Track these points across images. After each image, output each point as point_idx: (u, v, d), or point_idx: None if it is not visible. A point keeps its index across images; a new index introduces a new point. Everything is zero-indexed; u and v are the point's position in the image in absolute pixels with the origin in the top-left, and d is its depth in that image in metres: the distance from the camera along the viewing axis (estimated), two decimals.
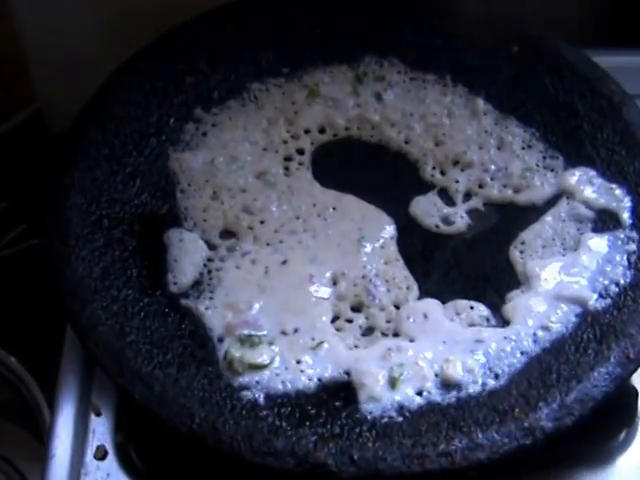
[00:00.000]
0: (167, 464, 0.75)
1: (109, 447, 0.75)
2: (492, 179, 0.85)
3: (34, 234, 1.03)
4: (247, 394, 0.71)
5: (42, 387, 0.90)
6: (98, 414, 0.76)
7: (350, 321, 0.76)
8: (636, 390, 0.76)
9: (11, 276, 1.02)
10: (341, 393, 0.71)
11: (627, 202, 0.81)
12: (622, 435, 0.75)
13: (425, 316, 0.75)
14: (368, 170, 0.86)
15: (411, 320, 0.75)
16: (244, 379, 0.72)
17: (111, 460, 0.74)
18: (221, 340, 0.74)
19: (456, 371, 0.71)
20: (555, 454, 0.72)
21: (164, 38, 0.91)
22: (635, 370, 0.71)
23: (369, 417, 0.69)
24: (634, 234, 0.79)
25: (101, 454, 0.75)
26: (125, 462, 0.74)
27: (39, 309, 0.88)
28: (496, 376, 0.72)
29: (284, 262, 0.79)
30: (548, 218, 0.81)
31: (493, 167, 0.85)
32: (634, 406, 0.76)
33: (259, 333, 0.74)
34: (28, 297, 0.98)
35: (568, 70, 0.89)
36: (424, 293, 0.78)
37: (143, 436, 0.75)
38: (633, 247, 0.78)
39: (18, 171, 1.06)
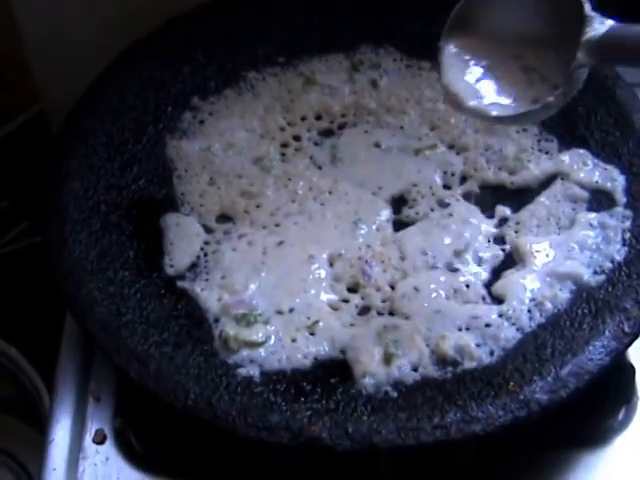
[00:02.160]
0: (165, 448, 0.75)
1: (108, 432, 0.75)
2: (487, 162, 0.85)
3: (36, 232, 1.04)
4: (242, 371, 0.71)
5: (43, 377, 0.90)
6: (97, 399, 0.77)
7: (346, 301, 0.77)
8: (633, 367, 0.76)
9: (12, 273, 1.03)
10: (337, 370, 0.71)
11: (621, 181, 0.81)
12: (621, 414, 0.75)
13: (420, 293, 0.75)
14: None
15: (406, 299, 0.75)
16: (239, 357, 0.72)
17: (110, 444, 0.75)
18: (217, 320, 0.75)
19: (451, 347, 0.72)
20: (554, 433, 0.73)
21: (162, 28, 0.92)
22: (630, 344, 0.71)
23: (364, 392, 0.70)
24: (628, 212, 0.79)
25: (100, 438, 0.75)
26: (124, 446, 0.75)
27: (40, 305, 0.88)
28: (491, 352, 0.72)
29: (280, 243, 0.79)
30: (543, 199, 0.82)
31: (488, 150, 0.85)
32: (632, 383, 0.76)
33: (254, 312, 0.74)
34: (30, 293, 0.98)
35: None
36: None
37: (142, 421, 0.76)
38: (627, 224, 0.78)
39: (20, 171, 1.06)
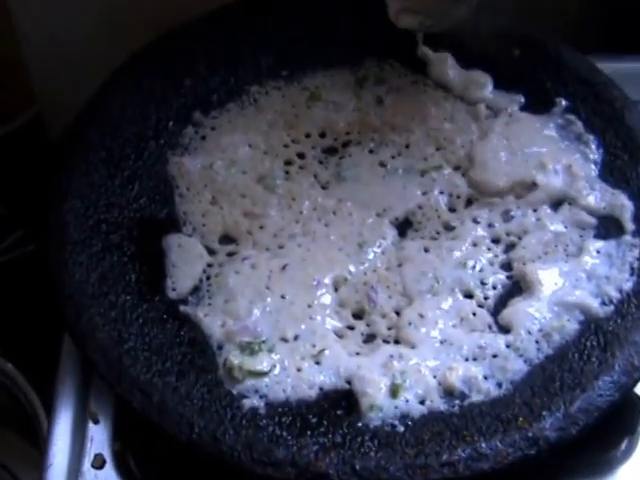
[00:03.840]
0: (165, 473, 0.74)
1: (107, 455, 0.74)
2: None
3: (32, 240, 1.03)
4: (247, 402, 0.70)
5: (39, 394, 0.90)
6: (96, 422, 0.75)
7: (351, 328, 0.76)
8: (638, 398, 0.75)
9: (8, 282, 1.01)
10: (343, 401, 0.70)
11: (629, 207, 0.81)
12: (624, 444, 0.75)
13: (425, 320, 0.74)
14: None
15: (412, 326, 0.74)
16: (244, 387, 0.71)
17: (109, 469, 0.73)
18: (220, 347, 0.74)
19: (459, 379, 0.71)
20: (556, 463, 0.72)
21: (163, 40, 0.91)
22: None
23: (371, 426, 0.69)
24: (637, 240, 0.79)
25: (99, 463, 0.74)
26: (123, 471, 0.73)
27: (37, 315, 0.87)
28: (499, 384, 0.71)
29: (284, 267, 0.78)
30: (550, 224, 0.81)
31: None
32: (636, 415, 0.75)
33: (259, 340, 0.73)
34: (26, 303, 0.97)
35: (570, 74, 0.89)
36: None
37: (141, 444, 0.74)
38: (636, 253, 0.78)
39: (16, 176, 1.05)
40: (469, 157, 0.85)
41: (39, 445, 0.87)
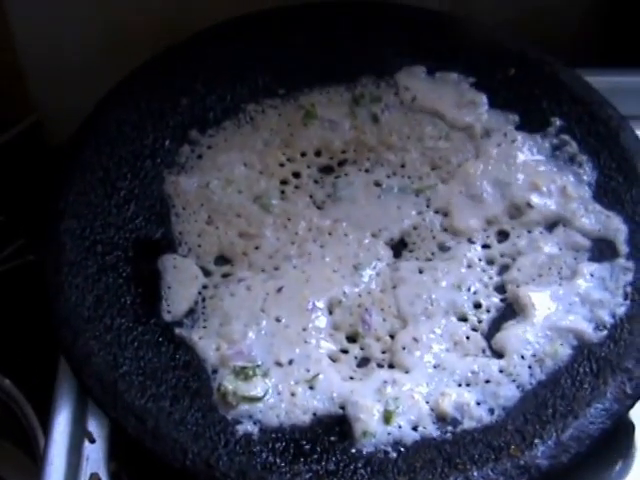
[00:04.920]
0: None
1: (102, 475, 0.74)
2: None
3: (32, 250, 1.02)
4: (241, 428, 0.70)
5: (37, 410, 0.89)
6: (92, 441, 0.76)
7: (345, 351, 0.76)
8: (633, 424, 0.76)
9: (7, 293, 1.01)
10: (336, 427, 0.71)
11: (624, 230, 0.81)
12: (617, 466, 0.75)
13: (419, 344, 0.75)
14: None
15: (406, 351, 0.75)
16: (238, 412, 0.71)
17: None
18: (215, 371, 0.74)
19: (451, 405, 0.71)
20: None
21: (160, 58, 0.91)
22: (632, 406, 0.71)
23: (364, 452, 0.69)
24: (630, 264, 0.79)
25: None
26: None
27: (35, 329, 0.87)
28: (491, 410, 0.72)
29: (279, 289, 0.78)
30: (545, 246, 0.81)
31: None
32: (630, 438, 0.76)
33: (253, 364, 0.73)
34: (24, 315, 0.97)
35: (565, 94, 0.89)
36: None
37: (137, 464, 0.75)
38: (629, 277, 0.78)
39: (16, 184, 1.05)
40: (461, 177, 0.85)
41: (36, 458, 0.87)
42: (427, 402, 0.72)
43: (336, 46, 0.92)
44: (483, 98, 0.90)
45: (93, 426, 0.76)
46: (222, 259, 0.81)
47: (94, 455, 0.75)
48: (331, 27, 0.92)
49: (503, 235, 0.83)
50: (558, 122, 0.88)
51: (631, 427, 0.75)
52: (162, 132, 0.87)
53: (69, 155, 0.84)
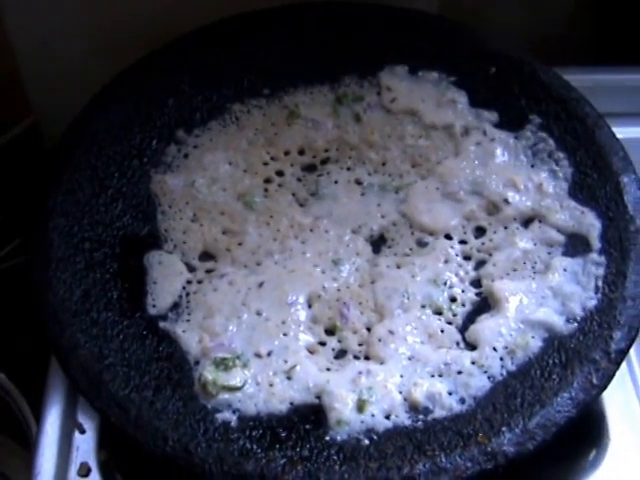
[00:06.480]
0: None
1: (92, 464, 0.77)
2: None
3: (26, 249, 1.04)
4: (220, 416, 0.73)
5: (31, 403, 0.92)
6: (82, 432, 0.78)
7: (323, 344, 0.78)
8: (604, 412, 0.77)
9: (4, 291, 1.03)
10: (311, 416, 0.73)
11: (597, 226, 0.82)
12: (591, 455, 0.77)
13: (395, 336, 0.77)
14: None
15: (382, 343, 0.77)
16: (218, 401, 0.74)
17: (94, 477, 0.76)
18: (197, 362, 0.76)
19: (423, 395, 0.73)
20: (524, 475, 0.74)
21: (147, 59, 0.93)
22: (598, 396, 0.73)
23: (338, 440, 0.71)
24: (602, 259, 0.80)
25: (84, 471, 0.76)
26: (108, 479, 0.76)
27: (30, 326, 0.89)
28: (462, 400, 0.74)
29: (261, 284, 0.81)
30: (520, 241, 0.83)
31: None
32: (603, 426, 0.77)
33: (233, 355, 0.76)
34: (19, 313, 0.99)
35: (544, 92, 0.91)
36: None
37: (126, 454, 0.77)
38: (601, 272, 0.80)
39: (13, 185, 1.07)
40: (440, 174, 0.87)
41: (30, 449, 0.89)
42: (400, 392, 0.74)
43: (320, 47, 0.94)
44: (463, 97, 0.92)
45: (83, 417, 0.78)
46: (206, 255, 0.84)
47: (84, 445, 0.77)
48: (315, 28, 0.94)
49: (480, 231, 0.85)
50: (536, 120, 0.89)
51: (603, 418, 0.77)
52: (149, 132, 0.89)
53: (58, 154, 0.87)
